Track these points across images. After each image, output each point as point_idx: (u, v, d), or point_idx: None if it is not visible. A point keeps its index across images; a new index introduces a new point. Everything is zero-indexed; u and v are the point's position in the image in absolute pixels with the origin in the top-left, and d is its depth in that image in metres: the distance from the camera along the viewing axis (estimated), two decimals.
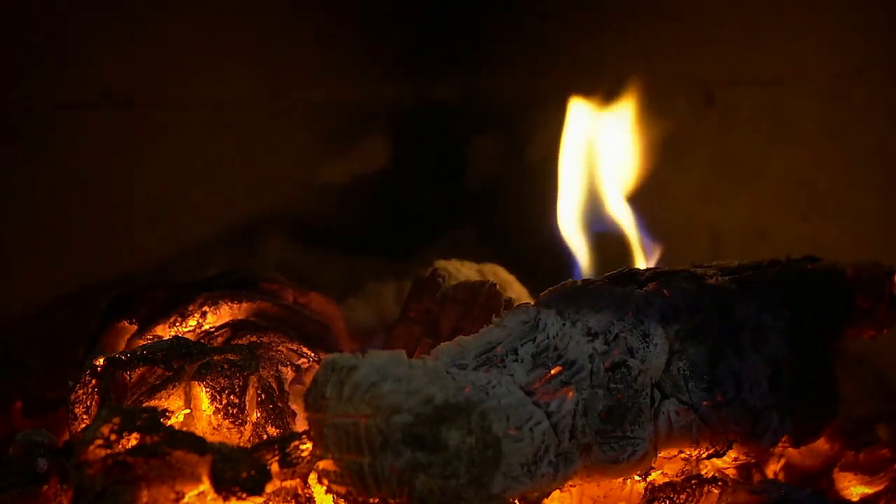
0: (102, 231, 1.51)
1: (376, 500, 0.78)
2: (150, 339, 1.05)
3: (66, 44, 1.42)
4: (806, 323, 0.94)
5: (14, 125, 1.39)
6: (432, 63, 1.88)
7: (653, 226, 1.22)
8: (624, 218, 1.19)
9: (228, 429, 0.94)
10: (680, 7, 1.58)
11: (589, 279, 0.96)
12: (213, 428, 0.93)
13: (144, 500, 0.77)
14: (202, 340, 1.04)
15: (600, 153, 1.22)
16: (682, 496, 0.92)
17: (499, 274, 1.25)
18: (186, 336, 1.03)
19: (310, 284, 1.22)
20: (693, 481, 0.93)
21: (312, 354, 1.05)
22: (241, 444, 0.93)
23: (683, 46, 1.58)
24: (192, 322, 1.06)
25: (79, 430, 0.95)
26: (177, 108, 1.58)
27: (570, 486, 0.87)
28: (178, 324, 1.06)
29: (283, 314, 1.10)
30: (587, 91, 1.30)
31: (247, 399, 0.95)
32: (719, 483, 0.92)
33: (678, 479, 0.94)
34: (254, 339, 1.04)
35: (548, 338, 0.86)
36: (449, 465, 0.75)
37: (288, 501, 0.88)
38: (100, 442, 0.78)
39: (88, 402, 0.95)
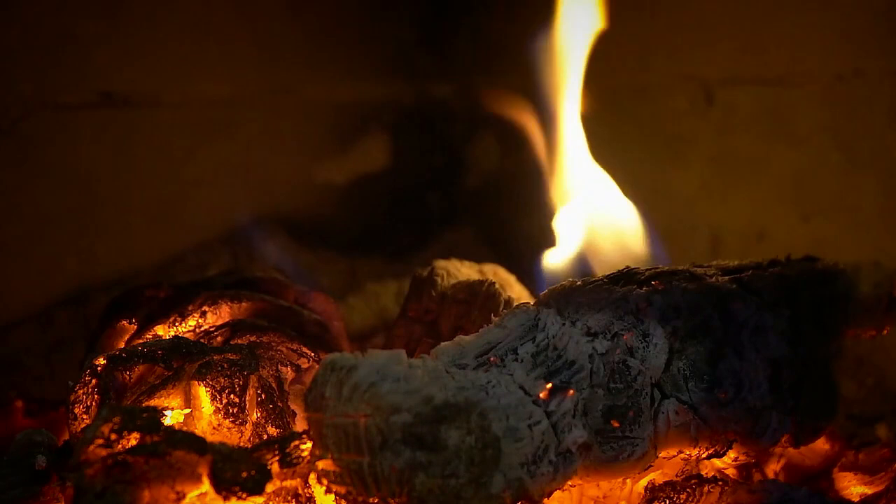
0: (102, 231, 1.51)
1: (376, 500, 0.78)
2: (149, 339, 1.05)
3: (66, 44, 1.42)
4: (806, 323, 0.94)
5: (14, 125, 1.39)
6: (432, 63, 1.88)
7: (653, 226, 1.22)
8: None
9: (228, 429, 0.94)
10: (680, 7, 1.58)
11: (589, 279, 0.96)
12: (213, 428, 0.93)
13: (145, 500, 0.77)
14: (202, 340, 1.03)
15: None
16: (682, 496, 0.91)
17: (499, 274, 1.25)
18: (186, 336, 1.03)
19: (310, 284, 1.22)
20: (693, 481, 0.93)
21: (312, 354, 1.05)
22: (241, 444, 0.93)
23: (683, 46, 1.58)
24: (192, 322, 1.06)
25: (79, 430, 0.95)
26: (177, 108, 1.58)
27: (570, 486, 0.87)
28: (177, 324, 1.06)
29: (283, 314, 1.10)
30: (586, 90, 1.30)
31: (247, 399, 0.95)
32: (719, 483, 0.92)
33: (678, 479, 0.94)
34: (254, 339, 1.04)
35: (547, 337, 0.86)
36: (448, 464, 0.75)
37: (288, 501, 0.88)
38: (100, 441, 0.78)
39: (88, 402, 0.95)
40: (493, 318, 0.91)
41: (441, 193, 1.94)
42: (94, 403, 0.95)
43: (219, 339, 1.05)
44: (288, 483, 0.86)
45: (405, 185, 1.91)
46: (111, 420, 0.78)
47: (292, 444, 0.82)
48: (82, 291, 1.47)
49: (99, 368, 0.96)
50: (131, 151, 1.53)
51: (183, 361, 0.95)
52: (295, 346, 1.04)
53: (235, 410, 0.94)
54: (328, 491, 0.80)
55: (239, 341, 1.03)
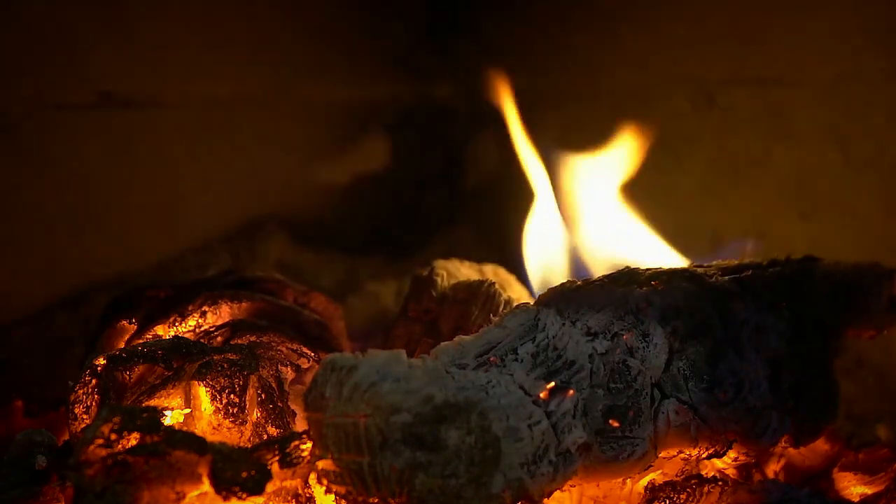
0: (102, 231, 1.51)
1: (376, 500, 0.78)
2: (149, 339, 1.05)
3: (66, 44, 1.42)
4: (806, 323, 0.94)
5: (14, 125, 1.39)
6: (432, 63, 1.88)
7: (653, 226, 1.22)
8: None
9: (228, 429, 0.94)
10: (680, 7, 1.58)
11: (589, 279, 0.96)
12: (213, 428, 0.93)
13: (144, 500, 0.77)
14: (202, 340, 1.04)
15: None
16: (682, 496, 0.92)
17: (499, 274, 1.25)
18: (186, 336, 1.03)
19: (310, 284, 1.22)
20: (693, 481, 0.93)
21: (312, 354, 1.05)
22: (241, 444, 0.93)
23: (683, 46, 1.58)
24: (192, 322, 1.06)
25: (79, 430, 0.95)
26: (177, 108, 1.58)
27: (570, 486, 0.87)
28: (177, 324, 1.06)
29: (283, 314, 1.10)
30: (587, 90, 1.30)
31: (247, 399, 0.95)
32: (719, 483, 0.92)
33: (678, 479, 0.94)
34: (254, 339, 1.04)
35: (547, 337, 0.86)
36: (448, 464, 0.75)
37: (288, 501, 0.88)
38: (100, 441, 0.78)
39: (88, 402, 0.95)
40: (492, 318, 0.91)
41: (441, 193, 1.94)
42: (94, 403, 0.95)
43: (219, 339, 1.05)
44: (288, 483, 0.86)
45: (405, 185, 1.91)
46: (111, 420, 0.78)
47: (292, 444, 0.82)
48: (82, 291, 1.47)
49: (99, 368, 0.96)
50: (131, 151, 1.53)
51: (183, 361, 0.95)
52: (295, 346, 1.04)
53: (235, 410, 0.94)
54: (328, 491, 0.80)
55: (239, 341, 1.03)
